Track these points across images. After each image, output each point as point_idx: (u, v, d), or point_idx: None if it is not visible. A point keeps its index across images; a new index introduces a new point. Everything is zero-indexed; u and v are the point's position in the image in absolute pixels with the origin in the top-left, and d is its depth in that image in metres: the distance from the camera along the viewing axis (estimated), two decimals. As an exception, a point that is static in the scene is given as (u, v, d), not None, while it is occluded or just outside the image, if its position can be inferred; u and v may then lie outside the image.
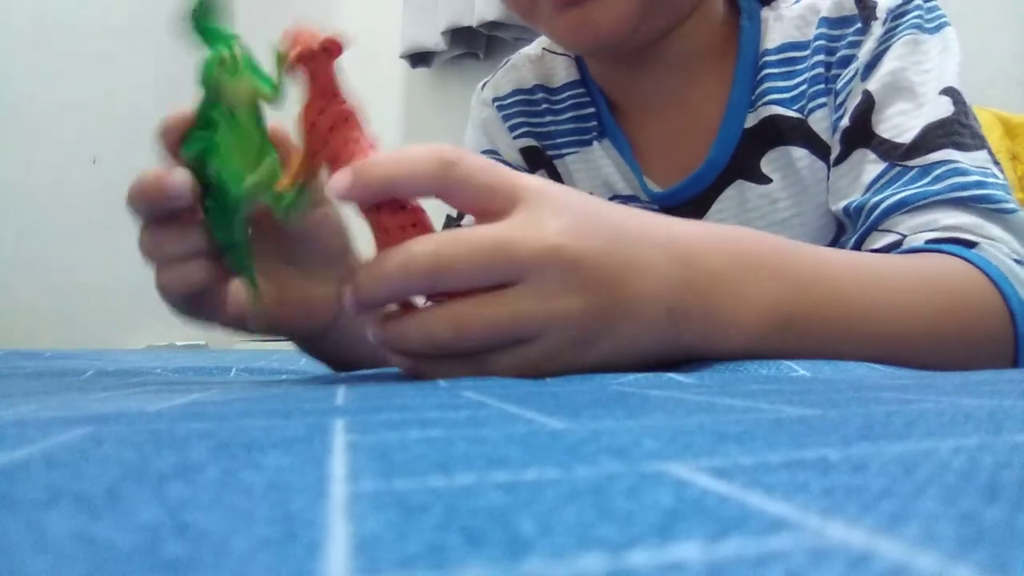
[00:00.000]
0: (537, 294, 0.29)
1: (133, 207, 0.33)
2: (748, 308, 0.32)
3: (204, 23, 0.31)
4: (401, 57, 2.07)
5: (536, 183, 0.31)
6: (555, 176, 0.61)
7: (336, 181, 0.29)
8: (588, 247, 0.29)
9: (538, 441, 0.14)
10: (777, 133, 0.53)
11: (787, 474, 0.11)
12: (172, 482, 0.11)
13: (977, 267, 0.38)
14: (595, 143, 0.59)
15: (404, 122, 2.23)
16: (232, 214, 0.33)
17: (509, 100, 0.62)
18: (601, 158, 0.59)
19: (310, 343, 0.44)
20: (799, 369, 0.29)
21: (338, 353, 0.45)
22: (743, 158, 0.54)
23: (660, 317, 0.31)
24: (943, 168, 0.43)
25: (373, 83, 2.29)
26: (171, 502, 0.10)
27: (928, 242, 0.41)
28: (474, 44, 1.97)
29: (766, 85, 0.53)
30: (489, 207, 0.30)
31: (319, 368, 0.49)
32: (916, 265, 0.38)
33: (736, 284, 0.32)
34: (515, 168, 0.61)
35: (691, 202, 0.56)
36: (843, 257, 0.37)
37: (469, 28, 1.89)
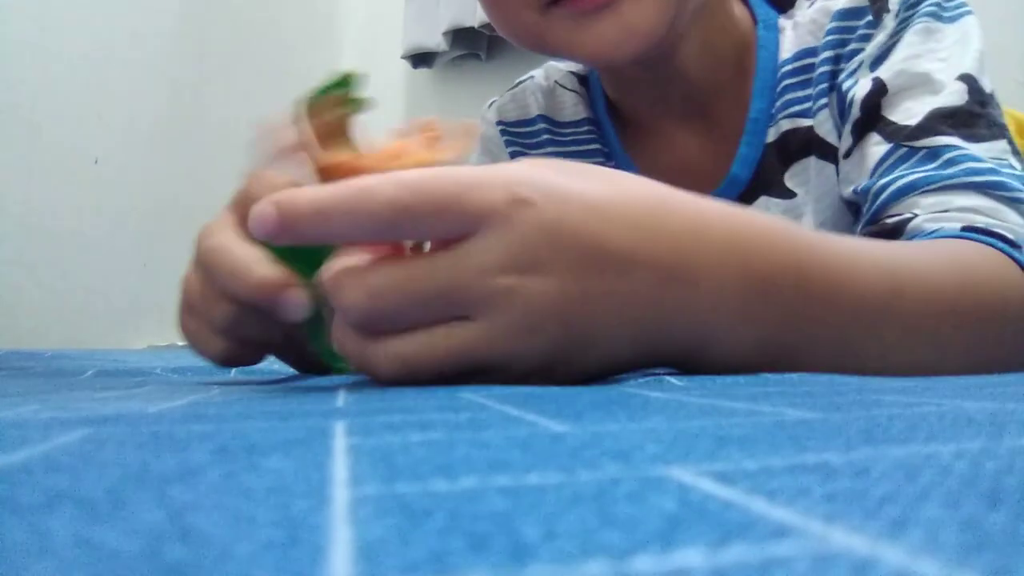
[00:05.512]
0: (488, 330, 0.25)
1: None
2: (748, 332, 0.28)
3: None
4: (402, 58, 2.07)
5: (506, 205, 0.25)
6: None
7: (258, 217, 0.24)
8: (540, 284, 0.25)
9: (540, 444, 0.14)
10: (799, 146, 0.51)
11: (790, 479, 0.11)
12: (173, 485, 0.11)
13: (1019, 264, 0.36)
14: None
15: (405, 123, 2.23)
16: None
17: (510, 126, 0.63)
18: None
19: None
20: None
21: None
22: (766, 174, 0.52)
23: (628, 342, 0.27)
24: (954, 153, 0.41)
25: (374, 84, 2.29)
26: (173, 506, 0.10)
27: (964, 229, 0.38)
28: (476, 45, 1.97)
29: (786, 97, 0.51)
30: (448, 238, 0.26)
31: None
32: (954, 257, 0.36)
33: (739, 309, 0.28)
34: None
35: None
36: (870, 261, 0.32)
37: (471, 29, 1.89)
